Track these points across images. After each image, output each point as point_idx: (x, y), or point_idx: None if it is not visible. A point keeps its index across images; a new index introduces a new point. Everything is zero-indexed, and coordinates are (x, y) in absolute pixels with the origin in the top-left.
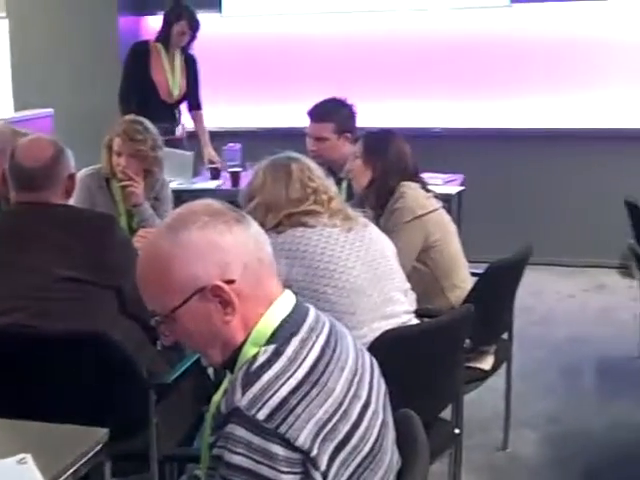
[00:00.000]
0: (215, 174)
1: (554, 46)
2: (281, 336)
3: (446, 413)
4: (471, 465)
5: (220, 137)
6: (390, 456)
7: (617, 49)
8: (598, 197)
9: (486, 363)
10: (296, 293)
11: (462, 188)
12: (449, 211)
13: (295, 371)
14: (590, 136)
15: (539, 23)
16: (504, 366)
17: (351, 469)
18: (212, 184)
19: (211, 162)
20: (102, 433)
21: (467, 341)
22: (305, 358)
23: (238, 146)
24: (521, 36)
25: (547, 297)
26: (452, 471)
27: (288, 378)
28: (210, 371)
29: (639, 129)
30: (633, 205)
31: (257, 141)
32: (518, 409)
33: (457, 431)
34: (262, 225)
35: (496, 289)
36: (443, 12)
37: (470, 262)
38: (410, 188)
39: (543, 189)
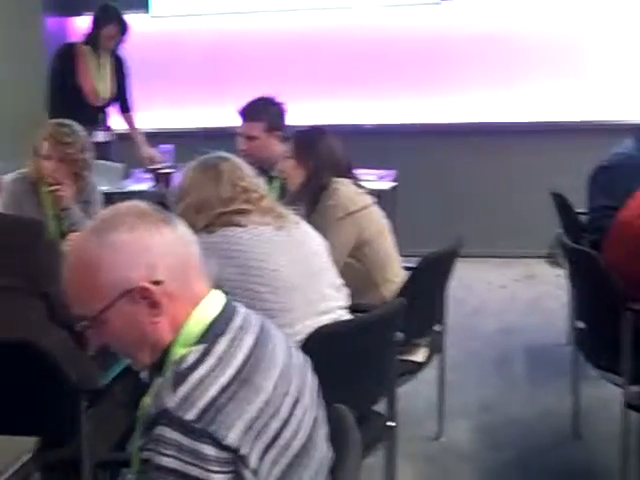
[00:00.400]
0: (157, 177)
1: (482, 42)
2: (210, 336)
3: (381, 406)
4: (406, 456)
5: (152, 138)
6: (322, 452)
7: (542, 44)
8: (526, 189)
9: (419, 355)
10: (227, 293)
11: (395, 184)
12: (382, 206)
13: (224, 370)
14: (518, 130)
15: (468, 20)
16: (438, 358)
17: (282, 465)
18: (143, 186)
19: (152, 161)
20: (31, 442)
21: (400, 334)
22: (234, 357)
23: (170, 147)
24: (450, 33)
25: (479, 288)
26: (387, 463)
27: (217, 377)
28: (144, 374)
29: (564, 122)
30: (559, 196)
31: (190, 142)
32: (452, 399)
33: (391, 424)
34: (193, 225)
35: (428, 282)
36: (373, 10)
37: (405, 256)
38: (342, 185)
39: (474, 182)
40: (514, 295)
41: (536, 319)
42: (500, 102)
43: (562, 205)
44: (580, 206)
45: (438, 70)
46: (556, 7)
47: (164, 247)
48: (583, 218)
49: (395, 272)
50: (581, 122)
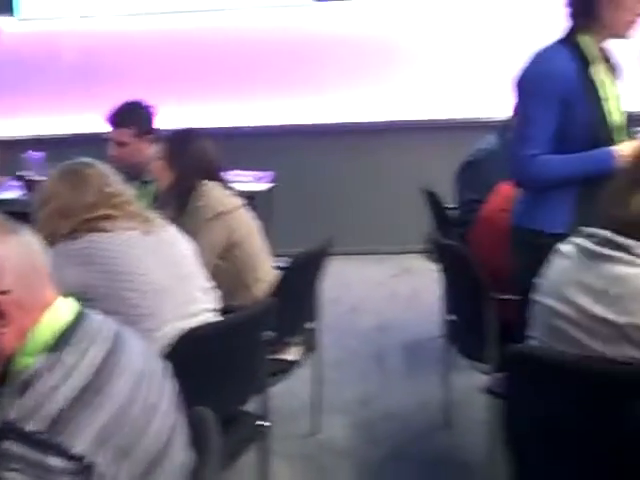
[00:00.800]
0: (28, 184)
1: (352, 43)
2: (60, 344)
3: (256, 406)
4: (282, 455)
5: (22, 145)
6: (181, 456)
7: (406, 43)
8: (400, 185)
9: (292, 354)
10: (93, 299)
11: (272, 185)
12: (259, 207)
13: (73, 379)
14: (390, 128)
15: (342, 20)
16: (314, 355)
17: (138, 472)
18: (12, 194)
19: None
20: None
21: (271, 333)
22: (85, 365)
23: (40, 154)
24: (323, 33)
25: (356, 286)
26: (261, 463)
27: (65, 386)
28: None
29: (434, 120)
30: (429, 192)
31: (61, 148)
32: (331, 397)
33: (264, 423)
34: (56, 232)
35: (299, 281)
36: (249, 11)
37: (282, 256)
38: (211, 187)
39: (349, 181)
40: (391, 291)
41: (413, 314)
42: (373, 101)
43: (432, 201)
44: (451, 201)
45: (311, 71)
46: (419, 8)
47: (9, 256)
48: (454, 213)
49: (266, 272)
50: (449, 119)
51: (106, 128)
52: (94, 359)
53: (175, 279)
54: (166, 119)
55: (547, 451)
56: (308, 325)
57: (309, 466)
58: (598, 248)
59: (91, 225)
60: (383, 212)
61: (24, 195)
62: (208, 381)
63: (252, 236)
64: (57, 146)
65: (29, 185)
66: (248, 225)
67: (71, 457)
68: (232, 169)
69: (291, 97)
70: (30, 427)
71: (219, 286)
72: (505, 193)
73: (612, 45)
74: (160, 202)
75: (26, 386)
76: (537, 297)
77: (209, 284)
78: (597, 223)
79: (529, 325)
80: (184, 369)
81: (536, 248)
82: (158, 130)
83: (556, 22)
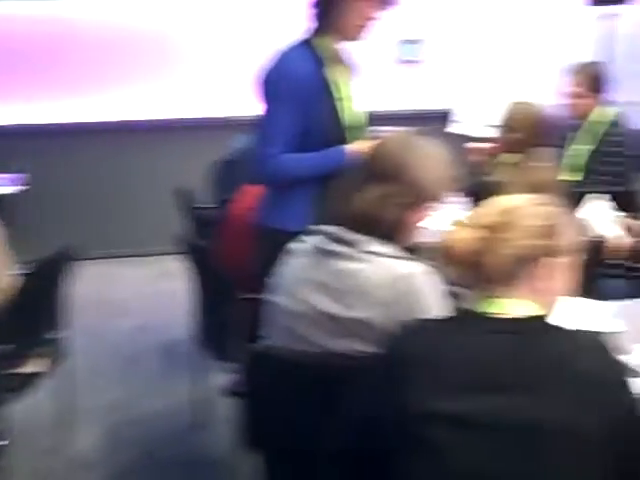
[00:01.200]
0: None
1: (113, 40)
2: None
3: None
4: (25, 473)
5: None
6: None
7: (159, 44)
8: (158, 186)
9: (33, 366)
10: None
11: (24, 187)
12: (5, 211)
13: None
14: (141, 127)
15: (104, 16)
16: (65, 364)
17: None
18: None
19: None
20: None
21: (6, 346)
22: None
23: None
24: (76, 29)
25: (116, 289)
26: None
27: None
28: None
29: (187, 119)
30: (182, 193)
31: None
32: (83, 405)
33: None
34: None
35: (42, 288)
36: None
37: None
38: None
39: (107, 182)
40: (151, 293)
41: (170, 315)
42: (127, 100)
43: (186, 201)
44: (208, 201)
45: (68, 68)
46: (199, 5)
47: None
48: (211, 213)
49: (5, 280)
50: (202, 118)
51: None
52: None
53: None
54: None
55: (288, 448)
56: (53, 334)
57: None
58: (329, 245)
59: None
60: (143, 213)
61: None
62: None
63: None
64: None
65: None
66: None
67: None
68: None
69: (47, 96)
70: None
71: None
72: (253, 192)
73: (350, 46)
74: None
75: None
76: (272, 296)
77: None
78: (332, 221)
79: (264, 324)
80: None
81: (276, 246)
82: None
83: (302, 22)
